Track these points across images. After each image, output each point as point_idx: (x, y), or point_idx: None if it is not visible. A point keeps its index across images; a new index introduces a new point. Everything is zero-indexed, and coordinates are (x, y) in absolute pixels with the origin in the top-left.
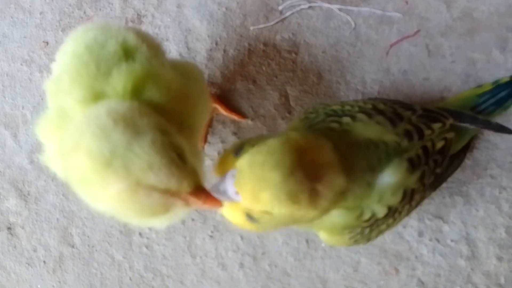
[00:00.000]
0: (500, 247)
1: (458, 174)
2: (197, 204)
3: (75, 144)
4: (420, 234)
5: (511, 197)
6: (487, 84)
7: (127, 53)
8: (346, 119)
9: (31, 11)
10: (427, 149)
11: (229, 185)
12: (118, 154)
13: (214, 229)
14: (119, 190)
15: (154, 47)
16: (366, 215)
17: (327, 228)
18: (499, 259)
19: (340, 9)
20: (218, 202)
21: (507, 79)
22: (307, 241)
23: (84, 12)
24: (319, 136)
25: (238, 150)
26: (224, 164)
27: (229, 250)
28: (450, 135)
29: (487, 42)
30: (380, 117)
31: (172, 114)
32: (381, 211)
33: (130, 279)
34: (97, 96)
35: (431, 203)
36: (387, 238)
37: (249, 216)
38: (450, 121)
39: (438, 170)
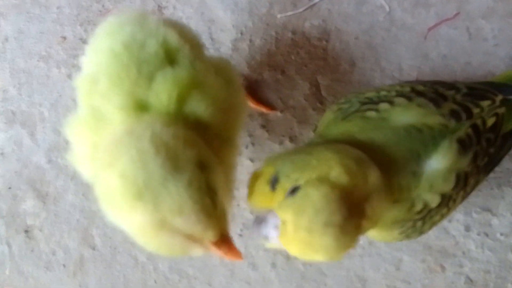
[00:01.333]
0: None
1: (506, 163)
2: (218, 254)
3: (111, 161)
4: (467, 228)
5: None
6: None
7: (169, 55)
8: (383, 105)
9: (48, 6)
10: (477, 128)
11: (271, 230)
12: (151, 187)
13: (244, 227)
14: (142, 222)
15: (194, 44)
16: (418, 206)
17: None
18: None
19: None
20: (239, 255)
21: None
22: None
23: (103, 6)
24: (356, 146)
25: (273, 183)
26: (259, 195)
27: (260, 249)
28: (501, 110)
29: None
30: (421, 99)
31: (215, 128)
32: (434, 200)
33: (155, 281)
34: (138, 104)
35: (478, 195)
36: (432, 234)
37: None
38: (499, 97)
39: (491, 150)
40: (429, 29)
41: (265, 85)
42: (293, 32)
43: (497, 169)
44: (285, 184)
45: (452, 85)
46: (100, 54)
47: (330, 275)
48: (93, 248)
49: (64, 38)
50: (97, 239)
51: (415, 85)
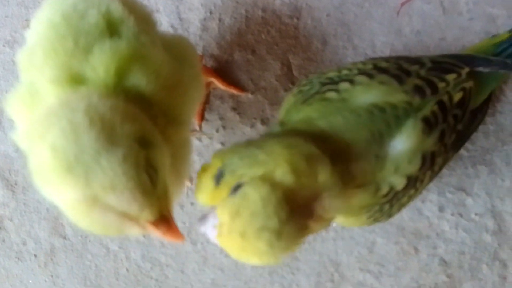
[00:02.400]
0: None
1: (481, 142)
2: (156, 234)
3: (42, 134)
4: (441, 209)
5: None
6: (503, 34)
7: (111, 27)
8: (344, 85)
9: None
10: (443, 104)
11: (210, 229)
12: (83, 161)
13: None
14: (73, 198)
15: (143, 18)
16: (384, 190)
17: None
18: None
19: None
20: (179, 236)
21: None
22: None
23: None
24: (315, 134)
25: (218, 177)
26: (203, 190)
27: None
28: (469, 84)
29: None
30: (384, 75)
31: (159, 104)
32: (399, 183)
33: (127, 270)
34: (73, 77)
35: (452, 175)
36: (405, 215)
37: None
38: (465, 70)
39: (459, 127)
40: (402, 4)
41: (235, 66)
42: (263, 10)
43: (471, 147)
44: (230, 181)
45: (416, 60)
46: (40, 25)
47: (303, 260)
48: (64, 238)
49: (29, 21)
50: (67, 228)
51: (378, 61)
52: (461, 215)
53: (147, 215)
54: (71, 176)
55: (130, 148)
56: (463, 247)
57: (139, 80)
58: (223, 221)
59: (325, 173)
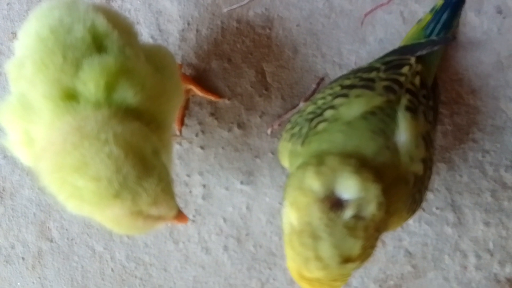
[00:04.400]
0: (486, 212)
1: (440, 141)
2: (175, 223)
3: (77, 166)
4: None
5: (495, 160)
6: (426, 15)
7: (97, 41)
8: (328, 113)
9: None
10: (411, 91)
11: None
12: (127, 187)
13: (196, 213)
14: (119, 215)
15: (126, 31)
16: (411, 180)
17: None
18: (486, 224)
19: None
20: (187, 218)
21: (441, 1)
22: None
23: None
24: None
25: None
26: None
27: (212, 234)
28: (418, 67)
29: None
30: (355, 90)
31: (146, 113)
32: (420, 168)
33: (112, 270)
34: (66, 93)
35: None
36: None
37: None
38: (412, 59)
39: (431, 103)
40: (366, 15)
41: (213, 73)
42: (238, 21)
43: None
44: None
45: (370, 68)
46: (28, 38)
47: (279, 255)
48: (51, 241)
49: (15, 34)
50: (54, 231)
51: (342, 81)
52: (423, 210)
53: (174, 213)
54: (119, 199)
55: (161, 167)
56: (426, 239)
57: (126, 92)
58: None
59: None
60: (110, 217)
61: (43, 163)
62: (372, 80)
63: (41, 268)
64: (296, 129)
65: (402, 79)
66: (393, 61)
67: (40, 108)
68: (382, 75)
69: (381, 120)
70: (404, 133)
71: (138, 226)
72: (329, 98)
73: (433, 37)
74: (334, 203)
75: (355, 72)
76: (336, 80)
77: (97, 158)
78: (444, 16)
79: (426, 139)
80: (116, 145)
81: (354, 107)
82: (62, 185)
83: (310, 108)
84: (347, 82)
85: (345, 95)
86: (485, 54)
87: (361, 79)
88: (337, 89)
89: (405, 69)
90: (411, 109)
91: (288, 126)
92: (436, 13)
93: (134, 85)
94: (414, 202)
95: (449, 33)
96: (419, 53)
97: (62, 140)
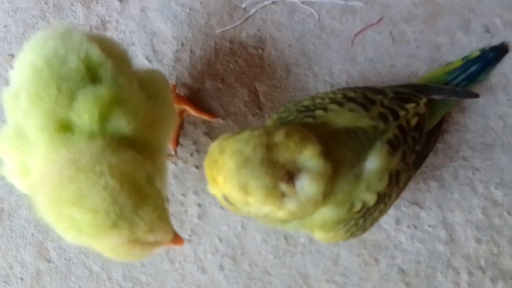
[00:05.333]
0: (478, 229)
1: (430, 159)
2: (170, 246)
3: (74, 199)
4: (398, 221)
5: (485, 178)
6: (457, 61)
7: (91, 71)
8: (318, 112)
9: None
10: (403, 128)
11: None
12: (124, 217)
13: (192, 232)
14: (117, 244)
15: (120, 59)
16: (357, 206)
17: (319, 226)
18: (478, 241)
19: (303, 2)
20: (183, 241)
21: (477, 53)
22: (285, 237)
23: (48, 23)
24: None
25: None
26: None
27: (208, 253)
28: (422, 109)
29: (450, 25)
30: (352, 104)
31: (139, 141)
32: (371, 199)
33: None
34: (60, 124)
35: (406, 190)
36: None
37: (225, 197)
38: (423, 100)
39: (417, 147)
40: (356, 35)
41: (206, 93)
42: (231, 42)
43: (422, 164)
44: None
45: (380, 90)
46: (23, 68)
47: (274, 274)
48: (49, 261)
49: (12, 56)
50: (52, 252)
51: (347, 91)
52: (415, 227)
53: (170, 237)
54: (117, 230)
55: (156, 193)
56: (419, 256)
57: (120, 121)
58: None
59: (312, 151)
60: (108, 246)
61: (39, 196)
62: (373, 101)
63: None
64: (285, 114)
65: (402, 113)
66: (404, 93)
67: (35, 140)
68: (386, 101)
69: (360, 142)
70: (374, 162)
71: (135, 253)
72: (327, 100)
73: (454, 83)
74: (271, 144)
75: (364, 89)
76: (344, 89)
77: (93, 191)
78: (473, 68)
79: (392, 176)
80: (111, 176)
81: (341, 118)
82: (59, 218)
83: (306, 102)
84: (351, 94)
85: (341, 104)
86: None
87: (364, 97)
88: (339, 96)
89: (410, 105)
90: (392, 144)
91: (281, 109)
92: (467, 62)
93: (127, 115)
94: (355, 226)
95: (470, 86)
96: (434, 96)
97: (58, 173)
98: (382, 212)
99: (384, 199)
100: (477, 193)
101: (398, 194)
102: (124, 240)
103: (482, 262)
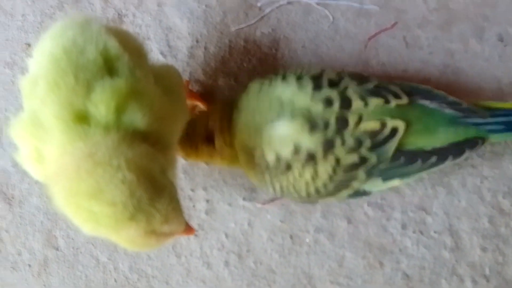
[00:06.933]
0: (483, 237)
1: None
2: (184, 235)
3: (93, 192)
4: (404, 226)
5: (493, 186)
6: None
7: (108, 63)
8: (276, 77)
9: (13, 14)
10: (345, 120)
11: None
12: (141, 209)
13: (199, 227)
14: (134, 235)
15: (136, 52)
16: (269, 156)
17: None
18: (483, 249)
19: (318, 3)
20: (194, 230)
21: None
22: (291, 236)
23: (66, 13)
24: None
25: None
26: None
27: (214, 249)
28: (396, 123)
29: (464, 32)
30: (308, 81)
31: (153, 136)
32: (269, 155)
33: (115, 280)
34: (77, 115)
35: (414, 195)
36: (371, 231)
37: None
38: (403, 100)
39: (364, 152)
40: (369, 39)
41: (219, 91)
42: (245, 41)
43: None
44: None
45: (366, 78)
46: (42, 56)
47: (279, 273)
48: (57, 249)
49: (29, 45)
50: (60, 240)
51: (329, 72)
52: (421, 233)
53: (183, 227)
54: (134, 222)
55: (170, 186)
56: (424, 262)
57: (135, 115)
58: None
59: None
60: (125, 237)
61: (56, 187)
62: (334, 84)
63: (46, 275)
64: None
65: (357, 103)
66: (385, 88)
67: (51, 128)
68: (352, 89)
69: (275, 109)
70: (279, 126)
71: (151, 243)
72: (299, 71)
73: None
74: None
75: (349, 74)
76: (333, 70)
77: (111, 184)
78: None
79: (299, 152)
80: (128, 170)
81: (284, 88)
82: (77, 210)
83: (290, 72)
84: (331, 75)
85: (299, 77)
86: (486, 81)
87: (330, 80)
88: (317, 72)
89: (374, 100)
90: (312, 123)
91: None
92: None
93: (142, 107)
94: (287, 181)
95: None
96: (421, 101)
97: (75, 166)
98: (294, 185)
99: (287, 170)
100: (484, 202)
101: (326, 185)
102: (141, 232)
103: (487, 271)
